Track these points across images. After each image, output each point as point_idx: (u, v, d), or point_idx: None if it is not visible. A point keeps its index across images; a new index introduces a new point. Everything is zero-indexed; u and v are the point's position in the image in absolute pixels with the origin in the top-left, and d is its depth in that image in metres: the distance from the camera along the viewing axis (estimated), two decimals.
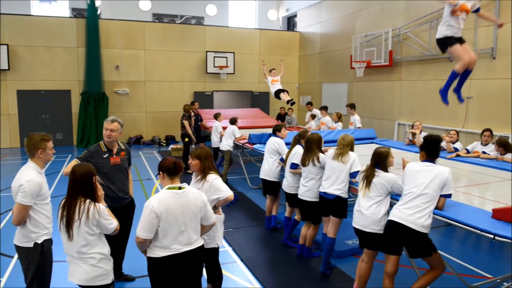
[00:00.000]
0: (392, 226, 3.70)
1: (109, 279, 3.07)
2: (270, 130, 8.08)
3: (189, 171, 4.81)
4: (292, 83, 17.38)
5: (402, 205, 3.70)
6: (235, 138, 8.93)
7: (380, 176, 3.99)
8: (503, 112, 8.55)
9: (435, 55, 10.29)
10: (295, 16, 18.37)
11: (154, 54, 15.34)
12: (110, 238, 3.18)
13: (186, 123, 10.24)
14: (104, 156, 4.18)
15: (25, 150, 3.38)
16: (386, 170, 4.04)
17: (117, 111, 14.50)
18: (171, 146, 13.18)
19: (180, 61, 15.70)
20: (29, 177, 3.17)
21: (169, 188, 3.09)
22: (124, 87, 15.00)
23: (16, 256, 4.26)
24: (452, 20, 4.89)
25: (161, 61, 15.43)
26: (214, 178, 3.67)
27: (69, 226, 2.91)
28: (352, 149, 4.73)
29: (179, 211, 3.03)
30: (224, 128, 9.46)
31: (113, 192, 4.19)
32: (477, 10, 5.09)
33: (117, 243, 4.07)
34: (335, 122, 9.98)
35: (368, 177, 4.03)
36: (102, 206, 3.02)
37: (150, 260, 3.07)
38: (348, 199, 4.76)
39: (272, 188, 6.24)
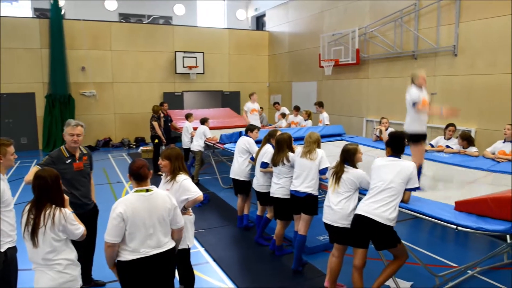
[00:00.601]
0: (359, 220, 3.79)
1: (77, 284, 3.01)
2: (242, 129, 8.09)
3: (160, 173, 4.77)
4: (262, 82, 17.49)
5: (368, 199, 3.80)
6: (206, 138, 8.89)
7: (349, 172, 4.07)
8: (465, 107, 8.86)
9: (400, 53, 10.58)
10: (264, 15, 18.45)
11: (122, 55, 15.05)
12: (77, 245, 3.10)
13: (155, 124, 10.12)
14: (67, 162, 4.05)
15: None
16: (354, 166, 4.13)
17: (84, 113, 14.16)
18: (141, 148, 12.95)
19: (149, 62, 15.47)
20: None
21: (136, 191, 3.05)
22: (91, 88, 14.64)
23: None
24: (421, 115, 4.81)
25: (129, 61, 15.16)
26: (183, 179, 3.65)
27: (34, 233, 2.82)
28: (319, 146, 4.81)
29: (146, 214, 2.99)
30: (195, 128, 9.40)
31: (77, 199, 4.04)
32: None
33: (84, 249, 3.96)
34: (305, 120, 10.14)
35: (338, 173, 4.11)
36: (68, 211, 2.95)
37: (120, 263, 3.02)
38: (319, 196, 4.84)
39: (242, 187, 6.24)
